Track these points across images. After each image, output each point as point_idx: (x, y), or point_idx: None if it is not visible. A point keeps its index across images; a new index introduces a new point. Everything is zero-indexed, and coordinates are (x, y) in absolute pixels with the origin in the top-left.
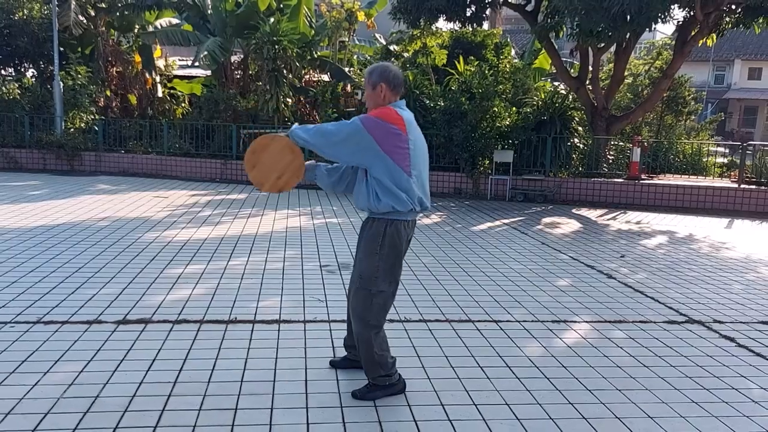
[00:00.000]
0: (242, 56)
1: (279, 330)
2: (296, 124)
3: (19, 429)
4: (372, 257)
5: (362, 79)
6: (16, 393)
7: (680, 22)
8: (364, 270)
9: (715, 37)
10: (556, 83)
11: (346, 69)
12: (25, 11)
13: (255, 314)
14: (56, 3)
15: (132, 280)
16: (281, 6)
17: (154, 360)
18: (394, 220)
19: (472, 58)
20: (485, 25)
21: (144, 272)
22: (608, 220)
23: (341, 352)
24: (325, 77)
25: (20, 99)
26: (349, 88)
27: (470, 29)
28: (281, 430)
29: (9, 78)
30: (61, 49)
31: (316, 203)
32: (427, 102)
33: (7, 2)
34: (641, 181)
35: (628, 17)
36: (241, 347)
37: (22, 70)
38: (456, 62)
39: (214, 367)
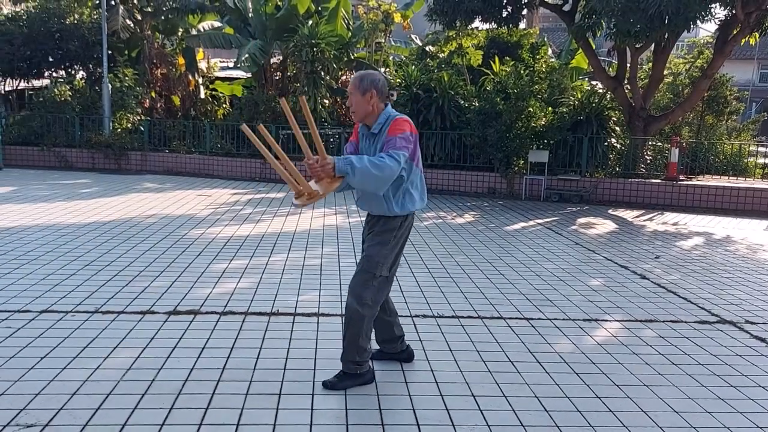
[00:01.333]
0: (281, 58)
1: (318, 323)
2: (351, 161)
3: (85, 407)
4: (383, 246)
5: (397, 80)
6: (80, 375)
7: (721, 21)
8: (373, 255)
9: (758, 35)
10: (593, 83)
11: (382, 70)
12: (76, 16)
13: (295, 307)
14: (105, 8)
15: (181, 274)
16: (320, 9)
17: (203, 348)
18: (407, 215)
19: (508, 58)
20: (522, 25)
21: (191, 266)
22: (644, 221)
23: (376, 344)
24: None
25: (71, 100)
26: None
27: (506, 29)
28: (321, 414)
29: (60, 80)
30: (110, 52)
31: (351, 203)
32: (462, 102)
33: (60, 8)
34: (679, 182)
35: (666, 18)
36: (283, 338)
37: (73, 72)
38: (491, 62)
39: (258, 355)
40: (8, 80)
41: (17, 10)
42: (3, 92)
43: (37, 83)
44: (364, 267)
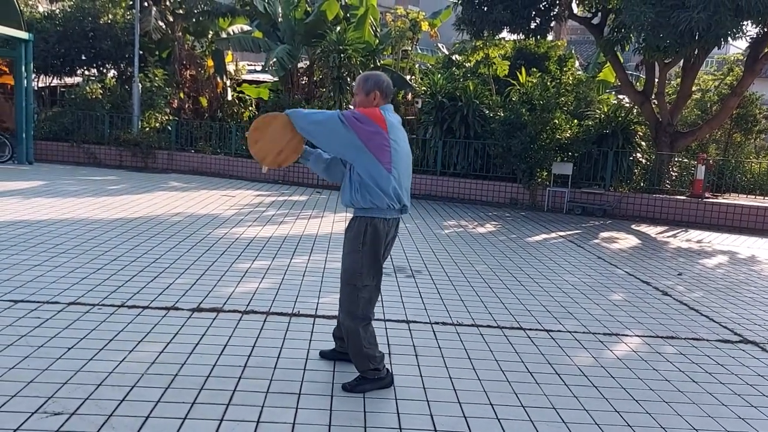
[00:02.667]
0: (308, 63)
1: (338, 327)
2: (295, 108)
3: (111, 398)
4: (355, 255)
5: (423, 88)
6: (106, 367)
7: (752, 39)
8: (349, 266)
9: None
10: (620, 96)
11: (408, 77)
12: (110, 16)
13: (316, 309)
14: (139, 9)
15: (204, 272)
16: (348, 16)
17: (225, 345)
18: (374, 218)
19: (535, 69)
20: (549, 37)
21: (215, 265)
22: (668, 237)
23: (395, 350)
24: None
25: (102, 98)
26: (409, 96)
27: (534, 41)
28: (339, 415)
29: (92, 78)
30: (141, 52)
31: None
32: (487, 112)
33: (94, 7)
34: (705, 200)
35: (696, 34)
36: (304, 339)
37: (105, 71)
38: (518, 73)
39: (279, 354)
40: (42, 77)
41: (53, 8)
42: (36, 88)
43: (69, 80)
44: (345, 280)
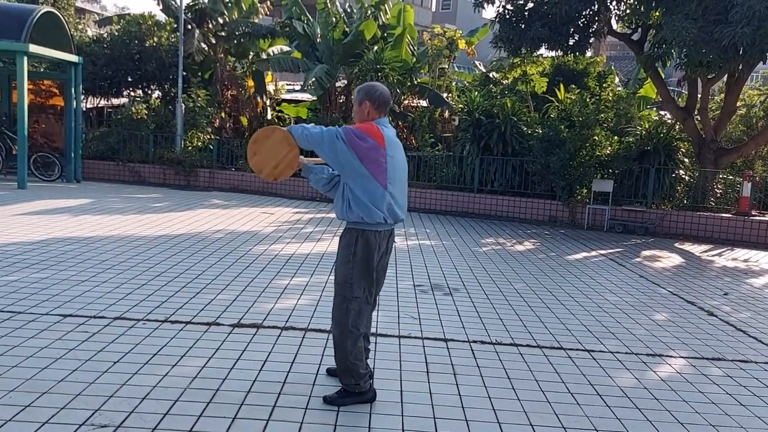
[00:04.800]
0: (346, 82)
1: (376, 343)
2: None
3: (154, 412)
4: (346, 266)
5: (460, 105)
6: (150, 381)
7: None
8: (339, 278)
9: None
10: (661, 113)
11: (445, 95)
12: (155, 39)
13: None
14: (183, 32)
15: (245, 288)
16: (385, 35)
17: (265, 361)
18: (365, 231)
19: (574, 86)
20: (588, 53)
21: (255, 281)
22: (713, 256)
23: (433, 368)
24: (423, 103)
25: (146, 119)
26: (446, 114)
27: (572, 57)
28: None
29: (138, 99)
30: (184, 73)
31: (409, 225)
32: (525, 129)
33: (140, 31)
34: (751, 218)
35: (741, 49)
36: None
37: (149, 92)
38: (556, 90)
39: (318, 371)
40: (90, 98)
41: (101, 32)
42: (84, 109)
43: (116, 101)
44: (336, 291)
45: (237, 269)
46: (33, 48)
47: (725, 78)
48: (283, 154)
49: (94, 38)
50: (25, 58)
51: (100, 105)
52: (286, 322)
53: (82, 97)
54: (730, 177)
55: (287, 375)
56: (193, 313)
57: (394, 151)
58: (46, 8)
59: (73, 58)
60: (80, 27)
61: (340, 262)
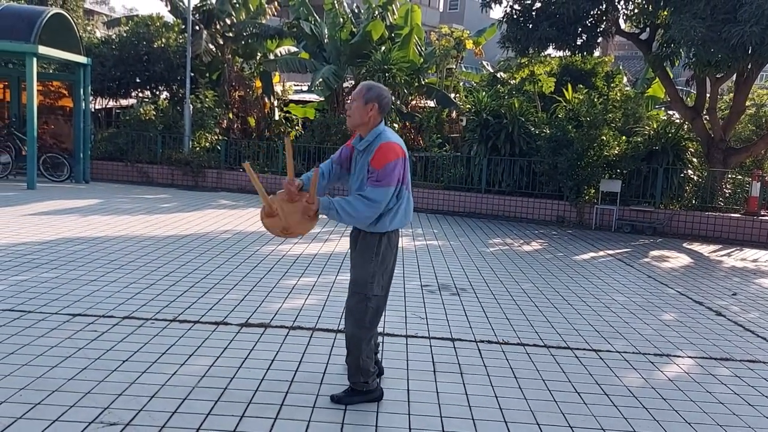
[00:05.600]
0: (353, 83)
1: (383, 342)
2: (335, 199)
3: (163, 410)
4: (368, 264)
5: (467, 106)
6: (159, 380)
7: None
8: (360, 276)
9: None
10: (670, 112)
11: (452, 95)
12: (163, 40)
13: None
14: (191, 33)
15: (252, 288)
16: (393, 35)
17: (273, 360)
18: (389, 232)
19: (581, 86)
20: (596, 53)
21: (262, 281)
22: (722, 256)
23: (440, 367)
24: (431, 103)
25: (154, 119)
26: (454, 114)
27: (580, 57)
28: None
29: (146, 100)
30: (192, 74)
31: (417, 225)
32: (532, 129)
33: (149, 32)
34: (761, 217)
35: (749, 48)
36: None
37: (157, 93)
38: (564, 90)
39: (325, 370)
40: (98, 99)
41: (110, 34)
42: (93, 110)
43: (124, 102)
44: (354, 290)
45: (245, 269)
46: (42, 49)
47: (734, 77)
48: (304, 227)
49: (103, 39)
50: (35, 60)
51: (108, 106)
52: (294, 321)
53: (91, 98)
54: (739, 177)
55: (295, 374)
56: (201, 313)
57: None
58: (55, 10)
59: (82, 59)
60: (89, 28)
61: (361, 262)
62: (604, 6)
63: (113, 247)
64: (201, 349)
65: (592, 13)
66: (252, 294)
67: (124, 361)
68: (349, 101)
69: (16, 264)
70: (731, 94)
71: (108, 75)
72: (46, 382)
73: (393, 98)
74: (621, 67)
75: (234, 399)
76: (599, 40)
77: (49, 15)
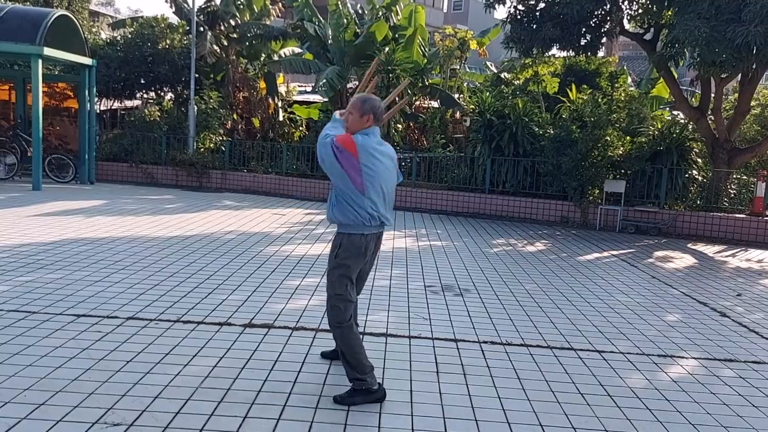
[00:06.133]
0: (357, 84)
1: (386, 343)
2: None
3: (166, 411)
4: (331, 264)
5: (471, 106)
6: (162, 380)
7: None
8: (328, 277)
9: None
10: (674, 113)
11: (456, 96)
12: (168, 41)
13: (364, 327)
14: (195, 34)
15: (256, 289)
16: (397, 36)
17: (276, 361)
18: (351, 234)
19: (585, 86)
20: (600, 53)
21: (266, 282)
22: (726, 257)
23: (443, 368)
24: (435, 104)
25: (159, 120)
26: (457, 114)
27: (584, 57)
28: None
29: (150, 101)
30: (196, 75)
31: (420, 226)
32: (536, 129)
33: (153, 33)
34: (765, 218)
35: (754, 48)
36: None
37: (162, 94)
38: (568, 90)
39: (328, 371)
40: (103, 100)
41: (115, 35)
42: (98, 112)
43: (129, 104)
44: (327, 289)
45: (248, 270)
46: (47, 51)
47: (739, 77)
48: None
49: (108, 41)
50: (40, 61)
51: (113, 107)
52: (297, 322)
53: (96, 99)
54: (744, 177)
55: (298, 374)
56: (205, 313)
57: (369, 161)
58: (60, 11)
59: (87, 60)
60: (94, 30)
61: (329, 262)
62: (608, 6)
63: (118, 248)
64: (204, 349)
65: (596, 13)
66: (255, 294)
67: (128, 362)
68: (345, 114)
69: (21, 265)
70: (736, 95)
71: (113, 76)
72: (50, 382)
73: (397, 100)
74: (625, 68)
75: (237, 399)
76: (603, 40)
77: (54, 17)
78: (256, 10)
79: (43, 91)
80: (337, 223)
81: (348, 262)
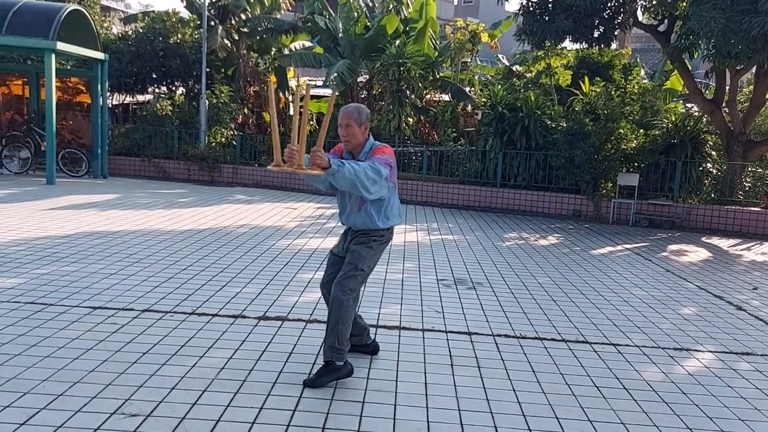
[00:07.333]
0: (368, 77)
1: (400, 336)
2: (344, 163)
3: (183, 402)
4: (369, 247)
5: (483, 99)
6: (178, 372)
7: None
8: (359, 253)
9: None
10: (688, 105)
11: (467, 89)
12: (179, 36)
13: (377, 320)
14: (206, 28)
15: (269, 282)
16: (407, 29)
17: (290, 353)
18: (389, 228)
19: (598, 78)
20: (613, 45)
21: (279, 275)
22: (741, 250)
23: (458, 361)
24: (446, 97)
25: (171, 115)
26: (469, 108)
27: (597, 50)
28: (403, 425)
29: (162, 96)
30: (208, 69)
31: (432, 219)
32: (549, 122)
33: (165, 28)
34: None
35: None
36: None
37: (174, 88)
38: (581, 83)
39: None
40: (116, 95)
41: (127, 30)
42: (110, 106)
43: (141, 98)
44: (350, 260)
45: (261, 263)
46: (60, 46)
47: (754, 69)
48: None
49: (120, 36)
50: (53, 56)
51: (125, 102)
52: (311, 315)
53: (108, 94)
54: (759, 170)
55: (312, 366)
56: (220, 306)
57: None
58: (72, 6)
59: (100, 55)
60: (106, 25)
61: (363, 244)
62: None
63: (132, 241)
64: (220, 341)
65: (609, 4)
66: (269, 287)
67: (144, 353)
68: (342, 129)
69: (38, 258)
70: (751, 87)
71: (125, 71)
72: (68, 373)
73: (408, 93)
74: (638, 60)
75: (253, 391)
76: (616, 32)
77: (67, 11)
78: (267, 4)
79: (56, 86)
80: (377, 227)
81: (382, 248)
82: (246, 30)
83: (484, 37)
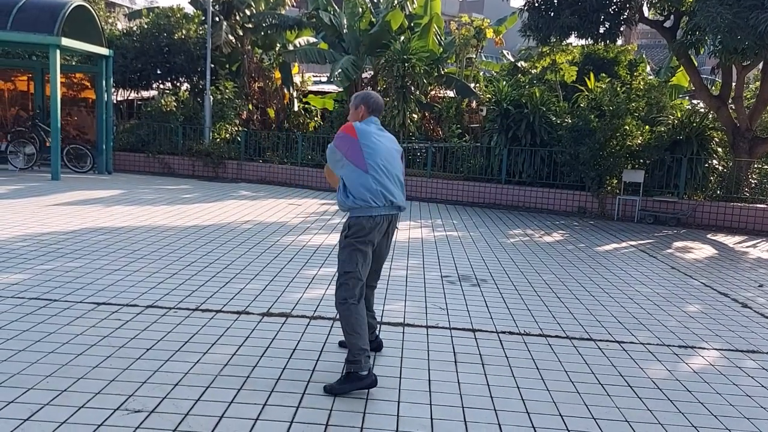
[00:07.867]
0: (372, 73)
1: (404, 332)
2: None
3: (187, 398)
4: (341, 246)
5: (487, 96)
6: (182, 368)
7: None
8: (339, 256)
9: None
10: (694, 101)
11: (472, 85)
12: (184, 32)
13: (382, 316)
14: (210, 24)
15: (273, 278)
16: (412, 25)
17: (294, 349)
18: (359, 217)
19: (604, 75)
20: (619, 41)
21: (283, 271)
22: (747, 247)
23: (461, 358)
24: (451, 93)
25: (175, 111)
26: (473, 104)
27: (603, 46)
28: (406, 421)
29: (167, 92)
30: (212, 65)
31: (436, 216)
32: (554, 119)
33: (169, 24)
34: None
35: None
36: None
37: (178, 84)
38: (586, 79)
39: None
40: (120, 91)
41: (131, 26)
42: (115, 102)
43: (145, 94)
44: (338, 269)
45: (265, 259)
46: (65, 41)
47: (761, 65)
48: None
49: (124, 31)
50: (58, 52)
51: (130, 97)
52: (315, 311)
53: (113, 89)
54: (766, 167)
55: (316, 363)
56: (223, 302)
57: (369, 140)
58: (77, 2)
59: (104, 51)
60: (110, 20)
61: (339, 243)
62: None
63: (136, 237)
64: (223, 338)
65: (614, 0)
66: (273, 284)
67: (147, 350)
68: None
69: (42, 253)
70: (758, 83)
71: (129, 67)
72: (71, 369)
73: (413, 89)
74: (644, 56)
75: (257, 387)
76: (622, 28)
77: (71, 7)
78: (271, 0)
79: (61, 82)
80: (348, 209)
81: (356, 243)
82: (250, 26)
83: (489, 33)
